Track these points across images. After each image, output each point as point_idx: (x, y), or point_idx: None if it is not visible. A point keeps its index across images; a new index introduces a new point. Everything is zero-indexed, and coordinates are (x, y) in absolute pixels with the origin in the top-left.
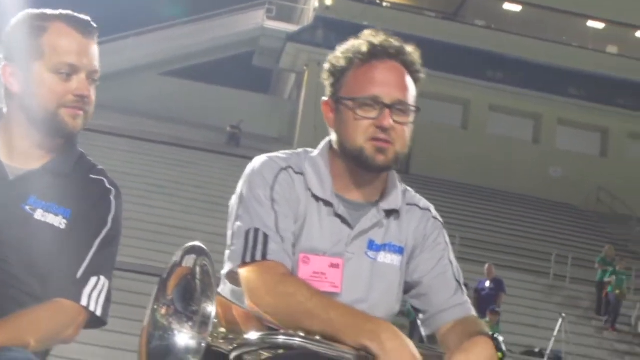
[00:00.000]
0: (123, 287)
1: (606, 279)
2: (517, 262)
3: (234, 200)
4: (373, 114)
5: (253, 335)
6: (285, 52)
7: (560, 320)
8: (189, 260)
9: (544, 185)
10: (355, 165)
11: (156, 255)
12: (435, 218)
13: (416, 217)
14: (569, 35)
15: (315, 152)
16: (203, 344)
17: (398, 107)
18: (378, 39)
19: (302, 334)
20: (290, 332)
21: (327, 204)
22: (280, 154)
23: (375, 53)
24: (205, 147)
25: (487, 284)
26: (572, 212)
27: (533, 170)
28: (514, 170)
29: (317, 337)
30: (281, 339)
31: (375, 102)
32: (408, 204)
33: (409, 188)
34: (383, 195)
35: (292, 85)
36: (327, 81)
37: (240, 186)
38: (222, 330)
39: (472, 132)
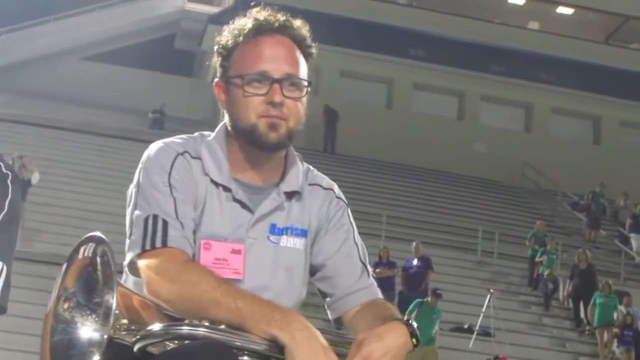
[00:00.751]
0: (50, 275)
1: (537, 259)
2: (444, 239)
3: (130, 189)
4: (263, 90)
5: (156, 327)
6: (207, 34)
7: (488, 296)
8: (89, 251)
9: (469, 161)
10: (249, 145)
11: None
12: (339, 198)
13: (319, 197)
14: (490, 11)
15: (211, 136)
16: (105, 336)
17: (288, 81)
18: (263, 14)
19: (207, 324)
20: (195, 322)
21: (226, 188)
22: (177, 138)
23: (261, 28)
24: (129, 132)
25: (415, 262)
26: (498, 188)
27: (458, 147)
28: (439, 148)
29: (223, 327)
30: (185, 329)
31: (264, 78)
32: (310, 184)
33: (311, 167)
34: (283, 176)
35: (215, 68)
36: (217, 62)
37: (137, 174)
38: (124, 321)
39: (397, 110)
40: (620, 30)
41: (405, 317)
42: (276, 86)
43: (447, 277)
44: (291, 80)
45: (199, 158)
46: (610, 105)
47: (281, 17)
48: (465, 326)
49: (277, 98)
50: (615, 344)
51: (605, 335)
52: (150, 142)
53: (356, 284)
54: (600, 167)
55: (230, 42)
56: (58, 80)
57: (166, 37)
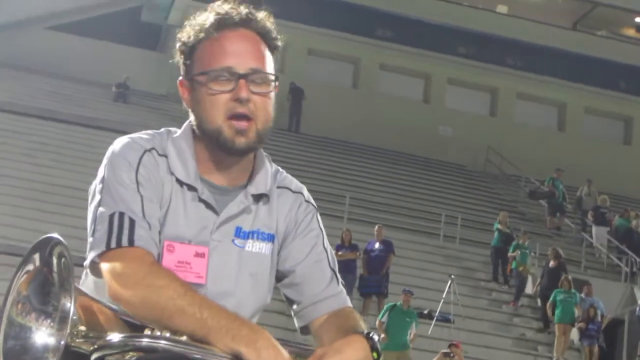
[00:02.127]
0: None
1: (510, 254)
2: (407, 223)
3: (94, 185)
4: (228, 86)
5: (115, 337)
6: (174, 7)
7: (449, 282)
8: (46, 253)
9: (434, 145)
10: (216, 148)
11: (44, 216)
12: (308, 201)
13: (287, 201)
14: None
15: (178, 133)
16: (62, 342)
17: (254, 76)
18: (224, 7)
19: (168, 335)
20: (156, 333)
21: (191, 188)
22: (143, 134)
23: (223, 23)
24: (92, 104)
25: (377, 245)
26: (462, 172)
27: (423, 130)
28: (404, 130)
29: (184, 338)
30: (145, 341)
31: (229, 73)
32: (279, 187)
33: (280, 169)
34: (251, 178)
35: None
36: (180, 60)
37: (101, 170)
38: (82, 328)
39: (363, 91)
40: (588, 16)
41: (366, 330)
42: (242, 82)
43: (408, 261)
44: (257, 75)
45: (165, 156)
46: (576, 91)
47: (244, 9)
48: (425, 312)
49: (244, 94)
50: (577, 336)
51: (564, 334)
52: (114, 114)
53: (324, 291)
54: (565, 153)
55: (192, 38)
56: (20, 50)
57: (133, 9)
